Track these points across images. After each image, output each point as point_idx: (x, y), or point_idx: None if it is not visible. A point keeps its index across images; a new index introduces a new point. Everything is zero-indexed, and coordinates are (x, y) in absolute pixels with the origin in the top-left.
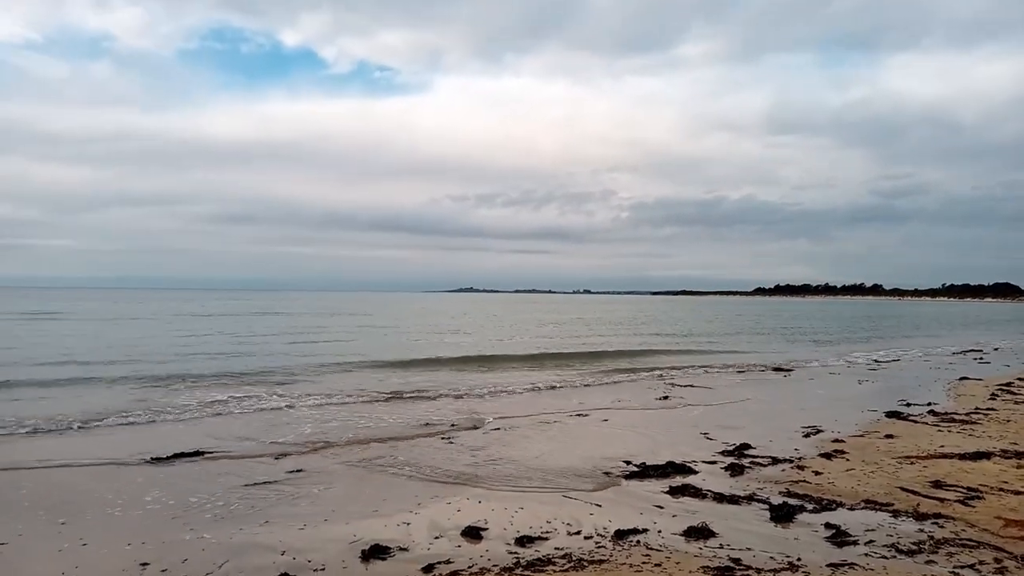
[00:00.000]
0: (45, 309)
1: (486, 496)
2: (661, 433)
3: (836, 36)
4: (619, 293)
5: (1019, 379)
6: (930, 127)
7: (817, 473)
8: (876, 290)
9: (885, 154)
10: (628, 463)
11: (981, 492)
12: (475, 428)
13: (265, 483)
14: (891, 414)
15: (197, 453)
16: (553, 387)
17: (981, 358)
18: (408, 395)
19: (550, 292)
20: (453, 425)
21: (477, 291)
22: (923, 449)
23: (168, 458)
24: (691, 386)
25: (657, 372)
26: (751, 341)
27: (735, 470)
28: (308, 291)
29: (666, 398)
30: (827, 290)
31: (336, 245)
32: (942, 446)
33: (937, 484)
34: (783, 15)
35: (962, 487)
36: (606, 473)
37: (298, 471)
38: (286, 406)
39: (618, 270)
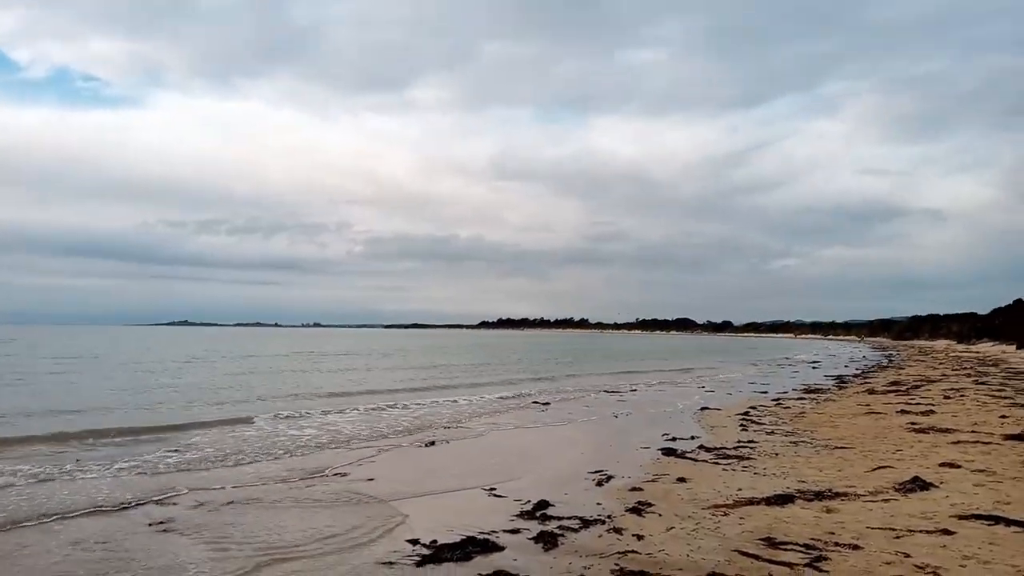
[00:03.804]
0: None
1: None
2: (437, 492)
3: (552, 96)
4: (351, 327)
5: (751, 408)
6: (630, 182)
7: (639, 537)
8: (583, 324)
9: (593, 204)
10: (415, 543)
11: (819, 549)
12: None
13: None
14: (666, 452)
15: None
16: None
17: (704, 387)
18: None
19: (277, 325)
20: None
21: (193, 324)
22: (723, 494)
23: None
24: (447, 427)
25: (397, 409)
26: (494, 373)
27: (547, 541)
28: None
29: (432, 444)
30: (542, 323)
31: (24, 272)
32: (739, 489)
33: (770, 542)
34: (507, 74)
35: (796, 544)
36: (387, 563)
37: None
38: None
39: (351, 303)
